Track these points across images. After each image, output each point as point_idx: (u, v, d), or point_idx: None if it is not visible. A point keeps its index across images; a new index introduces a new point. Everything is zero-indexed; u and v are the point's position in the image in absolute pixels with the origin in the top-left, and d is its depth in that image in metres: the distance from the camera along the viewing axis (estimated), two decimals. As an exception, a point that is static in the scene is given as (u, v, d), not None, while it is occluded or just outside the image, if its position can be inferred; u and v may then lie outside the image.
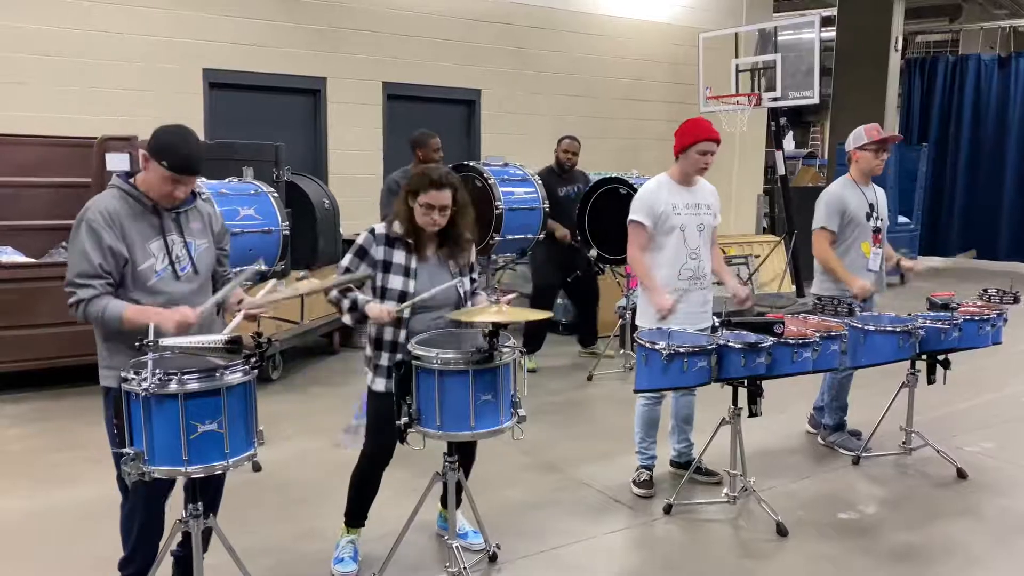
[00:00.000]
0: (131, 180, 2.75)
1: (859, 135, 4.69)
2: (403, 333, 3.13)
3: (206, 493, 2.77)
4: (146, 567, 2.86)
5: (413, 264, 3.15)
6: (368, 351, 3.26)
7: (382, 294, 3.14)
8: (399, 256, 3.15)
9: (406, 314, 3.09)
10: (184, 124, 2.78)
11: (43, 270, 5.77)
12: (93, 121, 6.88)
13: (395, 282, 3.12)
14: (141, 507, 2.80)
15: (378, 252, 3.15)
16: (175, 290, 2.74)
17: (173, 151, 2.65)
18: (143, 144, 2.76)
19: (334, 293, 3.13)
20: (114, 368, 2.69)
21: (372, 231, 3.19)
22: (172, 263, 2.74)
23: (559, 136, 6.89)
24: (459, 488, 3.20)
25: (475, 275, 3.36)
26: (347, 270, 3.17)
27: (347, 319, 3.15)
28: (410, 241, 3.16)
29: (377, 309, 3.05)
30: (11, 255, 5.93)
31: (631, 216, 4.08)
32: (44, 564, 3.43)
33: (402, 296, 3.11)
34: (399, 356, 3.09)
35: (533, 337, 6.63)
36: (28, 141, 6.33)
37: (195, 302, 2.76)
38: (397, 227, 3.17)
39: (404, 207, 3.16)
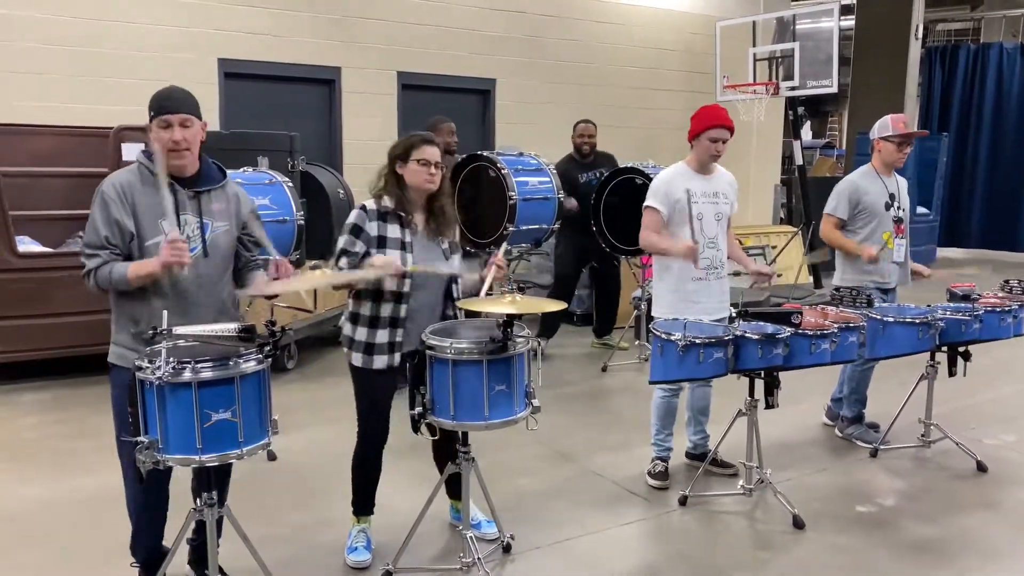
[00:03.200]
0: (153, 157, 2.75)
1: (885, 124, 4.62)
2: (403, 308, 3.13)
3: (215, 480, 2.78)
4: (151, 547, 2.92)
5: (408, 238, 3.14)
6: (352, 331, 3.19)
7: None
8: (393, 230, 3.14)
9: (406, 288, 3.08)
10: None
11: (60, 259, 5.80)
12: (109, 111, 6.90)
13: (392, 256, 3.09)
14: (142, 490, 2.81)
15: (372, 228, 3.13)
16: (181, 272, 2.71)
17: (153, 101, 2.71)
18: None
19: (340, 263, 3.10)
20: (118, 344, 2.77)
21: (363, 207, 3.17)
22: None
23: (573, 123, 6.84)
24: (458, 478, 3.16)
25: (458, 255, 3.35)
26: (344, 251, 3.12)
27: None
28: (402, 214, 3.15)
29: (383, 259, 3.01)
30: (28, 244, 5.97)
31: (646, 202, 4.05)
32: (60, 551, 3.45)
33: None
34: (400, 331, 3.11)
35: (547, 325, 6.62)
36: (45, 131, 6.36)
37: (205, 287, 2.76)
38: (387, 201, 3.16)
39: (392, 177, 3.17)
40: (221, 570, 2.84)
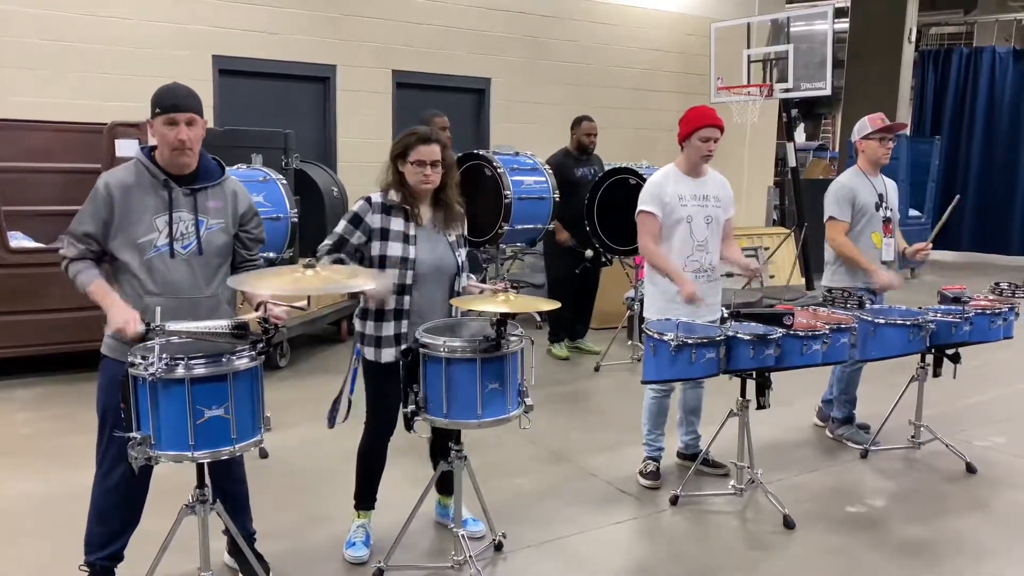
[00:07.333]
0: (152, 154, 2.77)
1: (863, 125, 4.70)
2: (407, 300, 3.16)
3: (221, 482, 2.81)
4: (116, 550, 2.90)
5: (411, 231, 3.17)
6: (362, 326, 3.25)
7: (381, 263, 3.15)
8: (397, 223, 3.17)
9: (408, 280, 3.12)
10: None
11: (52, 255, 5.73)
12: (103, 107, 6.88)
13: (394, 249, 3.14)
14: (123, 486, 2.81)
15: (375, 220, 3.16)
16: (172, 268, 2.73)
17: (158, 97, 2.70)
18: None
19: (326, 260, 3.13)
20: (110, 336, 2.77)
21: (368, 199, 3.20)
22: (173, 241, 2.73)
23: (569, 123, 6.82)
24: (449, 477, 3.18)
25: (464, 249, 3.39)
26: (341, 237, 3.16)
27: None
28: (407, 208, 3.17)
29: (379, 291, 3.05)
30: (21, 240, 5.95)
31: (640, 207, 4.05)
32: (54, 547, 3.44)
33: (403, 263, 3.13)
34: (405, 322, 3.16)
35: (573, 322, 6.75)
36: (38, 127, 6.34)
37: (198, 283, 2.77)
38: (393, 195, 3.19)
39: (394, 174, 3.20)
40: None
